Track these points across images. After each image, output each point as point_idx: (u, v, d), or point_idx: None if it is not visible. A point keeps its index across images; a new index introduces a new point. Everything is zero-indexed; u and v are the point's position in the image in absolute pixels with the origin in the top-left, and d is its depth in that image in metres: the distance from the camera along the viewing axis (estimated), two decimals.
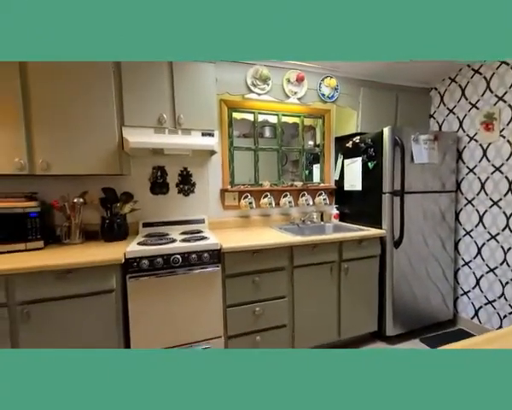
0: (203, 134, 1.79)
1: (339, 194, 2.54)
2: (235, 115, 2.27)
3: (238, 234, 1.95)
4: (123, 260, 1.39)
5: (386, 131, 1.98)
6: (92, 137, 1.59)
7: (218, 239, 1.67)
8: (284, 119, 2.43)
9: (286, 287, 1.77)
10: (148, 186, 2.03)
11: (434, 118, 2.55)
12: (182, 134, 1.75)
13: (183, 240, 1.64)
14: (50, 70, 1.50)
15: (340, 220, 2.48)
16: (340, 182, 2.51)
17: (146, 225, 1.96)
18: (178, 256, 1.50)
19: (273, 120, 2.41)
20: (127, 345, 1.47)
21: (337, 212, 2.49)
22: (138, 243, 1.56)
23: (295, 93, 2.14)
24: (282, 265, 1.74)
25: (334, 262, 1.88)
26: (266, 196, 2.26)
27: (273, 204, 2.25)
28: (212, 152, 1.93)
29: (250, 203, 2.17)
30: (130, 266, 1.42)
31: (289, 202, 2.30)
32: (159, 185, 2.04)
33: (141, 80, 1.65)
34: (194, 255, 1.53)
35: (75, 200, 1.68)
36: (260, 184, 2.36)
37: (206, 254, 1.55)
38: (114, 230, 1.75)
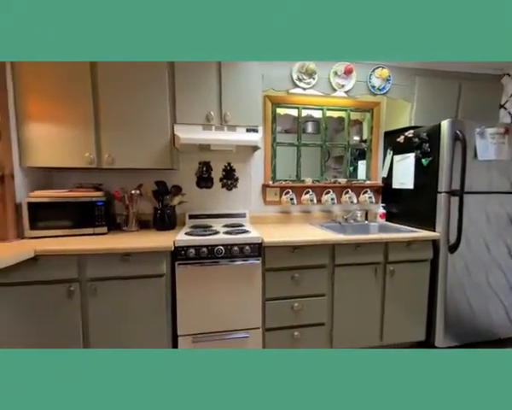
0: (248, 130, 1.83)
1: (386, 192, 2.40)
2: (279, 111, 2.27)
3: (278, 229, 1.97)
4: (172, 248, 1.51)
5: (446, 124, 1.80)
6: (149, 135, 1.74)
7: (258, 233, 1.71)
8: (329, 113, 2.36)
9: (326, 285, 1.74)
10: (195, 180, 2.15)
11: (506, 108, 2.24)
12: (227, 130, 1.81)
13: (226, 232, 1.71)
14: (115, 70, 1.67)
15: (387, 220, 2.34)
16: (387, 179, 2.36)
17: (192, 216, 2.08)
18: (221, 247, 1.57)
19: (317, 114, 2.36)
20: (174, 326, 1.60)
21: (383, 211, 2.35)
22: (186, 234, 1.67)
23: (342, 86, 2.06)
24: (322, 262, 1.72)
25: (378, 264, 1.80)
26: (308, 192, 2.24)
27: (314, 201, 2.21)
28: (256, 148, 1.97)
29: (291, 199, 2.17)
30: (178, 254, 1.54)
31: (332, 200, 2.24)
32: (204, 180, 2.16)
33: (192, 80, 1.75)
34: (236, 247, 1.59)
35: (132, 191, 1.87)
36: (302, 180, 2.33)
37: (247, 247, 1.60)
38: (165, 220, 1.90)
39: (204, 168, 2.15)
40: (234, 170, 2.20)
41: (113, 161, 1.72)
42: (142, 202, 2.01)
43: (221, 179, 2.19)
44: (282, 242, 1.63)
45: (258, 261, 1.63)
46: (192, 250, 1.55)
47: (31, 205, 1.60)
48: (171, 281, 1.57)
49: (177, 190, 2.02)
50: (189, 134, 1.73)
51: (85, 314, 1.49)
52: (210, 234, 1.66)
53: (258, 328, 1.67)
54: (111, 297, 1.50)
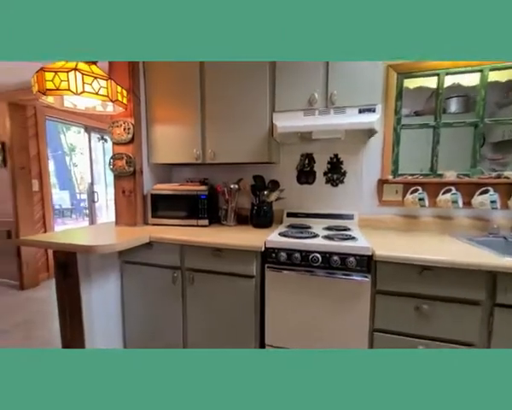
0: (361, 111, 1.45)
1: None
2: (407, 84, 1.73)
3: (398, 239, 1.49)
4: (263, 249, 1.37)
5: None
6: (247, 128, 1.67)
7: (369, 242, 1.32)
8: (492, 76, 1.60)
9: (477, 331, 1.16)
10: (295, 175, 1.95)
11: None
12: (334, 113, 1.50)
13: (326, 237, 1.42)
14: (217, 68, 1.68)
15: None
16: None
17: (290, 214, 1.89)
18: (318, 255, 1.30)
19: (469, 81, 1.65)
20: (262, 331, 1.46)
21: None
22: (280, 234, 1.50)
23: None
24: (473, 297, 1.14)
25: None
26: (449, 190, 1.60)
27: (459, 203, 1.55)
28: (371, 132, 1.55)
29: (421, 200, 1.61)
30: (269, 256, 1.38)
31: (492, 202, 1.51)
32: (305, 174, 1.92)
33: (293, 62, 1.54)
34: (336, 257, 1.28)
35: (231, 186, 1.86)
36: (439, 174, 1.70)
37: (351, 259, 1.26)
38: (261, 216, 1.80)
39: (306, 161, 1.91)
40: (341, 162, 1.85)
41: (214, 156, 1.75)
42: (241, 197, 1.99)
43: (325, 174, 1.89)
44: (403, 258, 1.18)
45: (367, 279, 1.25)
46: (283, 254, 1.35)
47: (153, 196, 1.85)
48: (260, 284, 1.44)
49: (275, 185, 1.88)
50: (287, 122, 1.54)
51: (185, 300, 1.57)
52: (306, 237, 1.41)
53: None
54: (205, 289, 1.52)
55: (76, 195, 8.06)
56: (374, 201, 1.82)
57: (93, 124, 3.84)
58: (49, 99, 1.50)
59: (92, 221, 4.09)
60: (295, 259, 1.33)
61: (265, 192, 1.82)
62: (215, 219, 1.96)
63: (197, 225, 1.82)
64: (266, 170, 1.95)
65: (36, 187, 3.22)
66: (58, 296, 1.51)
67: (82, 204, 7.72)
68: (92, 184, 3.98)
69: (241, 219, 1.95)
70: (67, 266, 1.42)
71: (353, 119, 1.45)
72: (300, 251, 1.33)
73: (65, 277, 1.45)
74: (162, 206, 1.85)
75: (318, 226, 1.73)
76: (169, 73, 1.78)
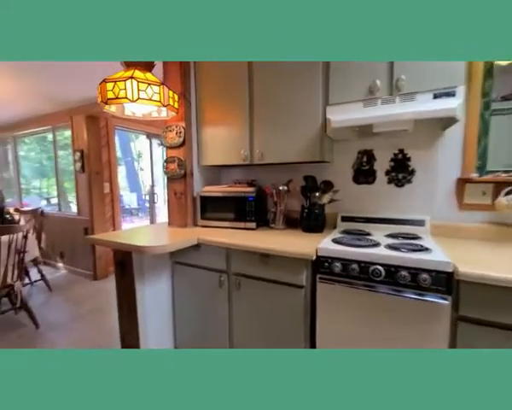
0: (436, 96, 1.20)
1: None
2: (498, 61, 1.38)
3: (487, 252, 1.19)
4: (314, 257, 1.23)
5: None
6: (297, 126, 1.55)
7: (448, 255, 1.08)
8: None
9: None
10: (351, 174, 1.74)
11: None
12: (400, 102, 1.28)
13: (391, 246, 1.20)
14: (266, 67, 1.60)
15: None
16: None
17: (345, 218, 1.70)
18: (380, 268, 1.11)
19: None
20: (312, 344, 1.32)
21: None
22: (333, 240, 1.34)
23: None
24: None
25: None
26: None
27: None
28: (449, 121, 1.28)
29: None
30: (321, 266, 1.24)
31: None
32: (363, 173, 1.70)
33: None
34: (404, 272, 1.07)
35: (280, 187, 1.76)
36: None
37: (424, 275, 1.04)
38: (312, 220, 1.65)
39: (364, 159, 1.70)
40: (408, 159, 1.59)
41: (262, 157, 1.67)
42: (291, 199, 1.87)
43: (388, 172, 1.65)
44: (498, 278, 0.92)
45: (446, 302, 1.01)
46: (338, 264, 1.19)
47: (202, 198, 1.87)
48: (311, 296, 1.30)
49: (328, 186, 1.70)
50: (343, 115, 1.37)
51: (231, 304, 1.53)
52: (365, 245, 1.23)
53: None
54: (251, 295, 1.45)
55: (142, 196, 9.03)
56: (451, 204, 1.51)
57: (154, 131, 4.17)
58: (112, 108, 1.62)
59: (152, 220, 4.44)
60: (352, 271, 1.16)
61: (317, 194, 1.67)
62: (263, 221, 1.88)
63: (244, 228, 1.76)
64: (318, 170, 1.80)
65: (107, 189, 3.63)
66: (117, 292, 1.61)
67: (146, 204, 8.62)
68: (152, 186, 4.33)
69: (291, 223, 1.83)
70: (124, 265, 1.51)
71: (426, 106, 1.21)
72: (359, 262, 1.15)
73: (122, 275, 1.54)
74: (210, 207, 1.86)
75: (379, 233, 1.51)
76: (218, 73, 1.77)
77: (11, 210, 3.21)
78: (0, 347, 2.10)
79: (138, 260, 1.52)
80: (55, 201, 4.36)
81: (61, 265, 3.92)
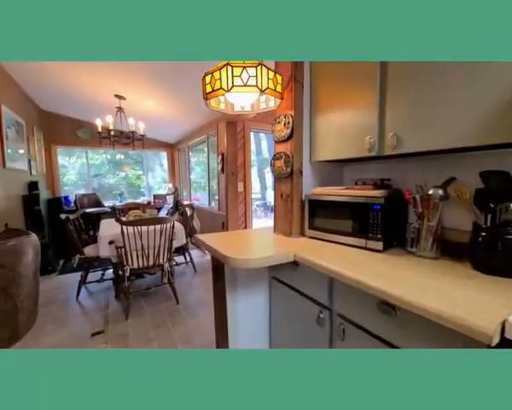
0: None
1: None
2: None
3: None
4: (497, 340, 0.59)
5: None
6: (466, 87, 0.87)
7: None
8: None
9: None
10: None
11: None
12: None
13: None
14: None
15: None
16: None
17: None
18: None
19: None
20: None
21: None
22: None
23: None
24: None
25: None
26: None
27: None
28: None
29: None
30: None
31: None
32: None
33: None
34: None
35: (430, 191, 1.09)
36: None
37: None
38: (499, 252, 0.90)
39: None
40: None
41: (398, 143, 1.09)
42: (450, 211, 1.15)
43: None
44: None
45: None
46: None
47: (311, 202, 1.49)
48: None
49: None
50: None
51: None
52: None
53: None
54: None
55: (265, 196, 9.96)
56: None
57: None
58: (221, 106, 1.56)
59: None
60: None
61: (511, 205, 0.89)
62: (396, 241, 1.27)
63: (365, 248, 1.24)
64: (509, 163, 0.98)
65: (241, 189, 3.93)
66: (213, 295, 1.55)
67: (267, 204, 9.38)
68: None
69: (448, 250, 1.12)
70: (218, 269, 1.41)
71: None
72: None
73: (216, 279, 1.44)
74: (321, 214, 1.45)
75: None
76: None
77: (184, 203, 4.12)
78: (152, 312, 2.63)
79: (230, 268, 1.37)
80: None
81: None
